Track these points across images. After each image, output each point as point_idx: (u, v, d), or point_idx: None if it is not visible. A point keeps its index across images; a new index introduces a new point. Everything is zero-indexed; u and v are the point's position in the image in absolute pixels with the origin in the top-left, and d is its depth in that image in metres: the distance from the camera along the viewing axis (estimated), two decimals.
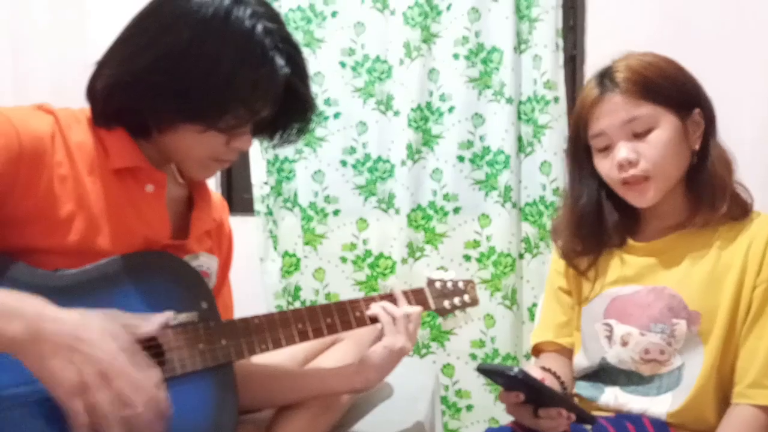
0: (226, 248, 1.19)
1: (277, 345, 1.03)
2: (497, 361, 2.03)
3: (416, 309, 1.15)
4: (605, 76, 1.13)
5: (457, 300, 1.23)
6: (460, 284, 1.25)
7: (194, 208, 1.08)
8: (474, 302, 1.26)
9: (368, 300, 1.15)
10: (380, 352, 1.11)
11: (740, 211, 1.13)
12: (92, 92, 0.97)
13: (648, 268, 1.16)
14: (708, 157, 1.13)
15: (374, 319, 1.14)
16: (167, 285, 0.97)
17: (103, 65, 0.97)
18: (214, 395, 0.97)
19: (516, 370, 0.99)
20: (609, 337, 1.18)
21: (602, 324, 1.19)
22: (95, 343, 0.77)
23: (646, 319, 1.13)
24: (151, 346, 0.92)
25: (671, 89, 1.11)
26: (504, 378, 1.06)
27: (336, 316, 1.10)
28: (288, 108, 1.00)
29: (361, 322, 1.13)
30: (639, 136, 1.10)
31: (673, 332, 1.11)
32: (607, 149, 1.13)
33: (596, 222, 1.21)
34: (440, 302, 1.22)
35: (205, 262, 1.07)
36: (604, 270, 1.21)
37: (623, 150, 1.10)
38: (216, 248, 1.13)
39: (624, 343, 1.15)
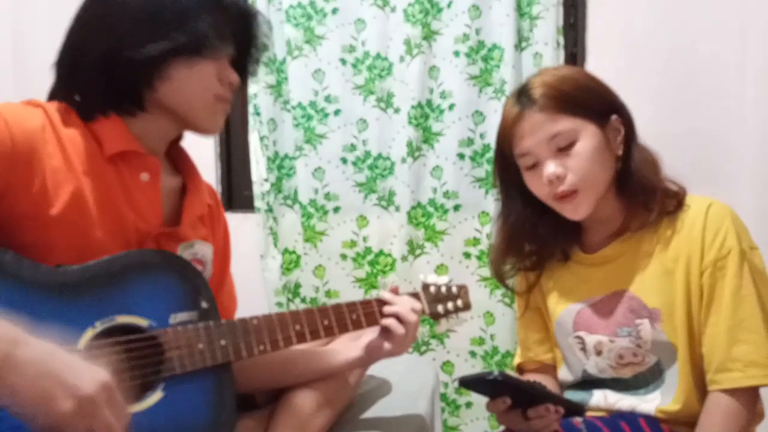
0: (222, 236, 1.18)
1: (275, 347, 1.04)
2: (496, 358, 2.03)
3: (417, 318, 1.17)
4: (522, 94, 1.13)
5: (450, 305, 1.25)
6: (454, 289, 1.26)
7: (187, 194, 1.08)
8: (466, 307, 1.27)
9: (365, 304, 1.15)
10: (381, 355, 1.16)
11: (674, 202, 1.14)
12: (75, 86, 0.98)
13: (604, 276, 1.18)
14: (632, 160, 1.14)
15: (371, 322, 1.15)
16: (168, 283, 0.97)
17: (74, 58, 0.98)
18: (213, 394, 0.97)
19: (495, 373, 1.01)
20: (583, 349, 1.19)
21: (574, 337, 1.20)
22: (69, 373, 0.72)
23: (612, 325, 1.15)
24: (152, 345, 0.93)
25: (587, 99, 1.12)
26: (486, 384, 1.07)
27: (333, 319, 1.11)
28: (244, 44, 1.08)
29: (358, 324, 1.14)
30: (563, 150, 1.10)
31: (639, 333, 1.12)
32: (534, 167, 1.13)
33: (530, 240, 1.22)
34: (434, 307, 1.23)
35: (200, 250, 1.08)
36: (563, 284, 1.23)
37: (550, 166, 1.10)
38: (211, 236, 1.13)
39: (598, 353, 1.17)
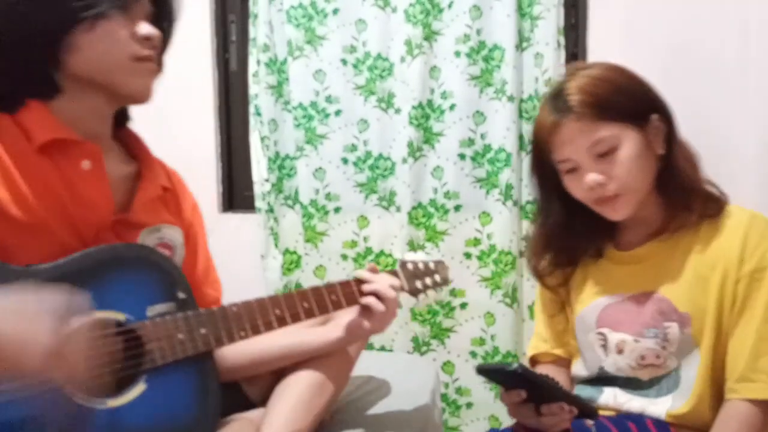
0: (189, 219, 1.15)
1: (256, 331, 1.04)
2: (497, 359, 2.03)
3: (395, 294, 1.16)
4: (558, 100, 1.10)
5: (428, 280, 1.24)
6: (431, 265, 1.26)
7: (141, 180, 1.06)
8: (445, 282, 1.27)
9: (344, 284, 1.15)
10: (362, 333, 1.16)
11: (716, 207, 1.12)
12: None
13: (635, 275, 1.16)
14: (674, 158, 1.12)
15: (351, 302, 1.15)
16: (143, 276, 0.97)
17: None
18: (197, 384, 0.98)
19: (516, 365, 0.99)
20: (604, 346, 1.18)
21: (596, 334, 1.19)
22: (11, 353, 0.73)
23: (639, 325, 1.14)
24: (131, 339, 0.92)
25: (626, 102, 1.09)
26: (504, 375, 1.06)
27: (313, 301, 1.11)
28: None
29: (338, 305, 1.14)
30: (604, 155, 1.08)
31: (666, 336, 1.11)
32: (574, 170, 1.12)
33: (568, 237, 1.21)
34: (412, 283, 1.23)
35: (167, 234, 1.06)
36: (591, 280, 1.21)
37: (591, 175, 1.09)
38: (176, 219, 1.11)
39: (619, 351, 1.16)
